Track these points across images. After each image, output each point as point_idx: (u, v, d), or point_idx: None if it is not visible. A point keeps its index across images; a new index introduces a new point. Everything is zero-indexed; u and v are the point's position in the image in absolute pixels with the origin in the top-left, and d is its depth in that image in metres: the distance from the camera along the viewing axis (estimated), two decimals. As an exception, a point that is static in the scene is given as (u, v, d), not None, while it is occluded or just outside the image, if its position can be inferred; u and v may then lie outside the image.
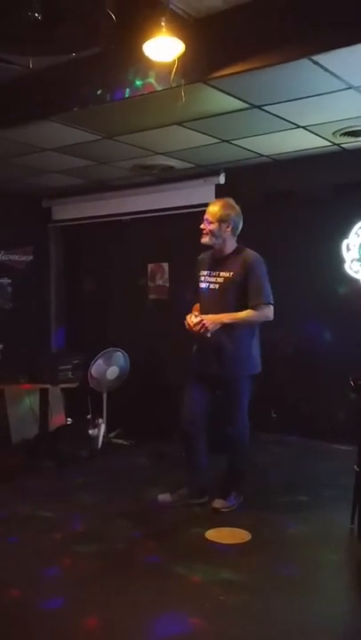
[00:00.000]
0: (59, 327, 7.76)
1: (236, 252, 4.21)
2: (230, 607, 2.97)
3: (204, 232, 4.18)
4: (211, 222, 4.14)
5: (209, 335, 4.02)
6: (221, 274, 4.16)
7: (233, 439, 4.23)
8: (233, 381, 4.19)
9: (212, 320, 4.02)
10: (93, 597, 3.09)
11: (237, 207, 4.22)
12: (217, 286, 4.17)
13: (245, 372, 4.19)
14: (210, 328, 4.00)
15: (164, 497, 4.35)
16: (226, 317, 4.03)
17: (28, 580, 3.30)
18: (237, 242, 4.25)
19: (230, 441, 4.24)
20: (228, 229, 4.14)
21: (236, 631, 2.78)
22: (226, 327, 4.04)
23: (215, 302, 4.14)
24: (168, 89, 3.85)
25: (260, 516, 4.12)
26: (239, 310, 4.05)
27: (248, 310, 4.05)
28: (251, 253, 4.19)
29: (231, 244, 4.21)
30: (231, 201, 4.24)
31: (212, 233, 4.15)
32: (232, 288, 4.10)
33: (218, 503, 4.20)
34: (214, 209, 4.16)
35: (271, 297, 4.10)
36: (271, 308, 4.10)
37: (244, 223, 4.22)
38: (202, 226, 4.19)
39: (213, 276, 4.21)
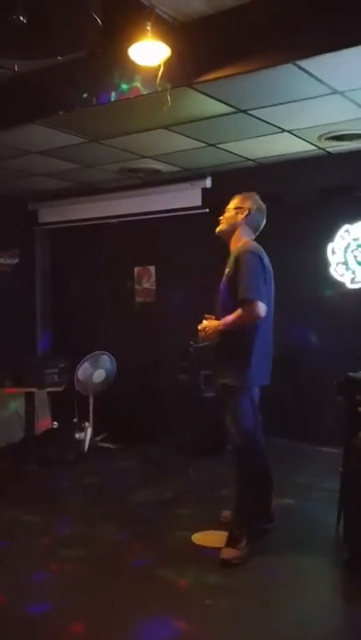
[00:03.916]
0: (45, 330, 7.73)
1: (238, 244, 3.81)
2: (216, 611, 2.97)
3: (221, 222, 3.91)
4: (228, 210, 3.90)
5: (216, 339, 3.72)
6: (226, 271, 3.78)
7: (235, 467, 3.73)
8: (227, 392, 3.72)
9: (212, 327, 3.67)
10: (80, 602, 3.08)
11: (261, 204, 3.91)
12: (221, 286, 3.81)
13: (238, 382, 3.67)
14: (207, 336, 3.68)
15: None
16: (222, 324, 3.65)
17: (14, 584, 3.29)
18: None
19: (235, 469, 3.74)
20: (242, 216, 3.82)
21: (222, 635, 2.78)
22: (232, 329, 3.63)
23: (217, 305, 3.78)
24: (154, 93, 3.85)
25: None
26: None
27: (236, 311, 3.60)
28: (242, 245, 3.74)
29: (241, 236, 3.82)
30: (256, 196, 3.93)
31: (226, 220, 3.87)
32: (227, 287, 3.72)
33: (226, 553, 3.54)
34: (234, 200, 3.92)
35: (256, 292, 3.56)
36: (257, 304, 3.54)
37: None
38: (220, 218, 3.92)
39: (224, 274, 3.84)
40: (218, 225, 3.93)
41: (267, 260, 3.78)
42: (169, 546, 3.76)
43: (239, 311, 3.57)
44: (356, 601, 3.16)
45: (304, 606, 3.03)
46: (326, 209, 5.76)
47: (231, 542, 3.56)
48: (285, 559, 3.54)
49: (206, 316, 3.76)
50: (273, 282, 3.83)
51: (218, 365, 3.81)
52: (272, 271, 3.84)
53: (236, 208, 3.86)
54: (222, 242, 3.93)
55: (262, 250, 3.79)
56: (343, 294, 5.73)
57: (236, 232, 3.83)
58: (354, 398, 3.80)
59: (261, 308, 3.56)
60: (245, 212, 3.83)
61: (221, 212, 3.95)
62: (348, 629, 2.92)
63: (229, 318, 3.61)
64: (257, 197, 3.94)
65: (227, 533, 3.64)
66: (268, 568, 3.42)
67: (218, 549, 3.60)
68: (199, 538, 3.81)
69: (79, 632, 2.82)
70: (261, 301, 3.56)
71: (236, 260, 3.66)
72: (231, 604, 3.03)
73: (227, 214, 3.89)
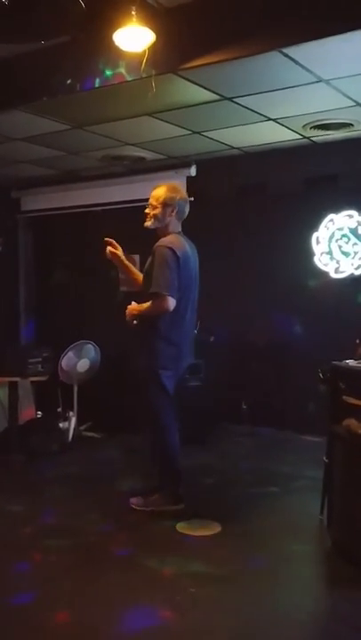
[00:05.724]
0: (28, 319, 7.68)
1: (164, 239, 4.00)
2: (201, 599, 2.97)
3: (148, 216, 4.01)
4: (155, 207, 3.97)
5: (134, 323, 4.02)
6: (149, 260, 4.01)
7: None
8: (142, 374, 4.06)
9: (130, 309, 4.00)
10: (64, 591, 3.07)
11: (183, 192, 4.09)
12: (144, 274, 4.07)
13: (148, 365, 4.01)
14: (127, 317, 4.00)
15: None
16: (137, 308, 3.97)
17: (-3, 575, 3.27)
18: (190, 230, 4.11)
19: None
20: (173, 213, 3.98)
21: (206, 624, 2.78)
22: (144, 318, 3.95)
23: (141, 292, 4.05)
24: (138, 79, 3.82)
25: (231, 507, 4.15)
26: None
27: (149, 302, 3.91)
28: (161, 241, 3.94)
29: (170, 231, 4.01)
30: (177, 185, 4.14)
31: (155, 217, 3.98)
32: (147, 277, 3.98)
33: (134, 499, 4.15)
34: (158, 192, 3.99)
35: (166, 287, 3.81)
36: (167, 299, 3.81)
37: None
38: (146, 210, 4.01)
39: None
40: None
41: (189, 254, 3.97)
42: (153, 535, 3.76)
43: (150, 302, 3.88)
44: (338, 588, 3.19)
45: (287, 594, 3.05)
46: (311, 198, 5.76)
47: (143, 493, 4.12)
48: (269, 547, 3.56)
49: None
50: (196, 276, 4.06)
51: (138, 349, 4.10)
52: (196, 265, 4.05)
53: (164, 205, 3.96)
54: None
55: (184, 244, 3.97)
56: (327, 284, 5.75)
57: (167, 227, 3.99)
58: (337, 387, 3.81)
59: (170, 303, 3.81)
60: (175, 209, 3.97)
61: (148, 204, 4.02)
62: (331, 616, 2.94)
63: (143, 306, 3.94)
64: (178, 186, 4.10)
65: (211, 521, 3.73)
66: (252, 556, 3.44)
67: (202, 538, 3.63)
68: (183, 526, 3.81)
69: (63, 621, 2.81)
70: (171, 296, 3.81)
71: (153, 253, 3.90)
72: (215, 592, 3.04)
73: (155, 211, 3.98)
